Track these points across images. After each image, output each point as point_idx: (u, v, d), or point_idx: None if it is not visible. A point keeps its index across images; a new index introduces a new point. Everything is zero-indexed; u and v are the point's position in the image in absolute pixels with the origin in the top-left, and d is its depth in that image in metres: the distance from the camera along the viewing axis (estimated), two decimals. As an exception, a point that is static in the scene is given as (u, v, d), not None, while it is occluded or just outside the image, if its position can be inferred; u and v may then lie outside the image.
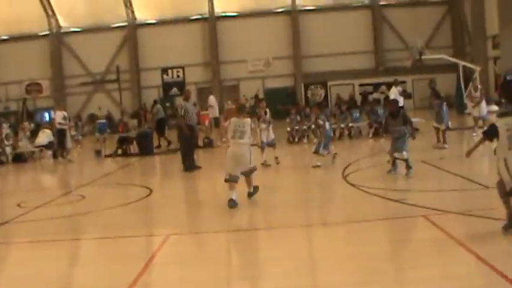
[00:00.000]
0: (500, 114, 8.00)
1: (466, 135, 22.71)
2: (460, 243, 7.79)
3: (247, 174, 11.51)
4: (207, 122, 27.94)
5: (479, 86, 21.83)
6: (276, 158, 17.54)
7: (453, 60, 36.53)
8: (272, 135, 17.77)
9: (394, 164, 13.82)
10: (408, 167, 13.29)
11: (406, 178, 13.16)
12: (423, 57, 35.89)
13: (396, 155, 13.53)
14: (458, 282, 6.39)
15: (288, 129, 24.57)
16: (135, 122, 30.89)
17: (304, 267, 7.55)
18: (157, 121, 28.25)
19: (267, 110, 18.06)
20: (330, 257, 7.92)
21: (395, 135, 13.62)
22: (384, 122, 15.33)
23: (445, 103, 19.21)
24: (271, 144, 17.49)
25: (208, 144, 25.27)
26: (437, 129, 18.77)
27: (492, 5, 40.76)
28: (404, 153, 13.37)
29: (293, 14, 47.68)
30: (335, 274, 7.07)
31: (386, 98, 27.42)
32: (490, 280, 6.46)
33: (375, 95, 28.60)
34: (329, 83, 47.30)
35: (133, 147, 24.70)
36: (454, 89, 35.41)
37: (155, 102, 32.69)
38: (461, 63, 35.59)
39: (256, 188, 11.78)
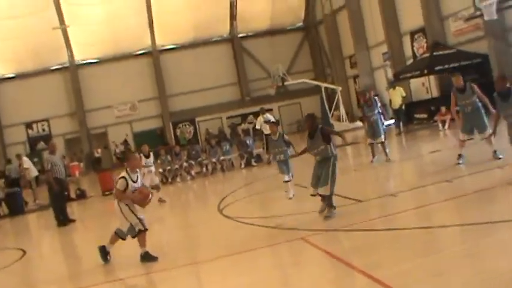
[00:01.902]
0: None
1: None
2: (337, 258, 7.98)
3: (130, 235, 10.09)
4: (77, 173, 27.17)
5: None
6: (160, 198, 17.63)
7: (315, 83, 37.80)
8: (156, 179, 18.22)
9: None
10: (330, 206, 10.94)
11: (291, 201, 13.32)
12: (286, 83, 36.97)
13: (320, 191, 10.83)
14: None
15: (160, 170, 24.32)
16: (1, 182, 29.52)
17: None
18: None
19: (151, 153, 18.36)
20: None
21: (318, 158, 10.95)
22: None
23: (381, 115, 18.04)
24: (156, 187, 17.39)
25: (81, 195, 24.55)
26: (371, 145, 17.79)
27: (345, 27, 42.58)
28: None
29: (154, 54, 47.60)
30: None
31: (254, 128, 27.84)
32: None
33: (243, 126, 28.96)
34: (197, 119, 47.45)
35: (2, 209, 23.58)
36: (319, 111, 36.44)
37: (18, 157, 31.16)
38: (323, 85, 36.92)
39: (146, 255, 9.87)
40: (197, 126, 47.50)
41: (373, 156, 17.62)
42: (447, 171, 13.12)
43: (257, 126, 25.17)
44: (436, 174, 13.44)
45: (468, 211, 9.20)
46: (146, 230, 9.83)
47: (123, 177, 9.67)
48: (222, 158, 24.70)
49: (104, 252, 10.28)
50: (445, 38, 31.23)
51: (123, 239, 10.05)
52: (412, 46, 35.29)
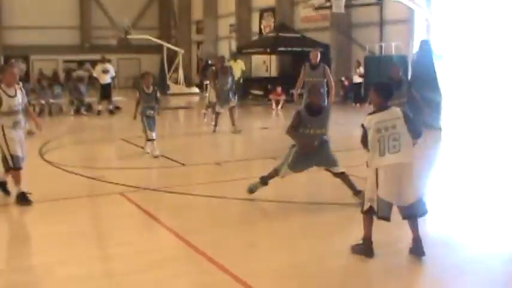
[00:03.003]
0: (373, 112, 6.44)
1: (170, 115, 23.18)
2: (153, 218, 8.04)
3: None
4: None
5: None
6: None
7: (158, 41, 37.35)
8: None
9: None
10: None
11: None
12: (129, 36, 36.20)
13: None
14: (152, 256, 6.54)
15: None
16: None
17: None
18: None
19: None
20: (33, 236, 7.80)
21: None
22: None
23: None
24: None
25: None
26: (218, 114, 17.37)
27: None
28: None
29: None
30: (37, 254, 6.96)
31: (90, 76, 27.06)
32: (180, 252, 6.76)
33: (79, 72, 28.02)
34: (32, 57, 45.17)
35: None
36: (158, 70, 36.21)
37: None
38: (166, 45, 36.62)
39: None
40: (30, 65, 45.28)
41: (216, 125, 17.25)
42: (273, 149, 13.44)
43: (94, 74, 24.50)
44: (263, 150, 13.76)
45: (287, 189, 9.51)
46: (13, 168, 8.83)
47: None
48: (51, 101, 23.71)
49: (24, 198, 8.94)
50: (292, 22, 32.08)
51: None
52: (260, 23, 35.91)
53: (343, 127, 16.55)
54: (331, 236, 7.38)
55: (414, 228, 6.31)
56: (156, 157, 12.78)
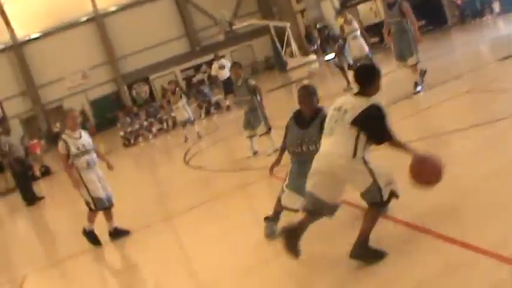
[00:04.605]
0: None
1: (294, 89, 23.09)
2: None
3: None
4: (38, 151, 26.70)
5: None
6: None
7: (262, 22, 37.46)
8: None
9: None
10: None
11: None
12: (234, 27, 36.51)
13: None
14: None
15: (121, 133, 23.99)
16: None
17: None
18: None
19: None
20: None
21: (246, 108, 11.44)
22: None
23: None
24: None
25: (46, 172, 24.12)
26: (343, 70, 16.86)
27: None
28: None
29: (98, 20, 46.46)
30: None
31: (209, 76, 27.51)
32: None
33: (198, 76, 28.52)
34: (151, 77, 46.71)
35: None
36: (271, 50, 36.30)
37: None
38: (271, 23, 36.62)
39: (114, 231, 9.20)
40: (152, 84, 46.85)
41: (348, 82, 16.30)
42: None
43: (213, 73, 24.88)
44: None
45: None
46: (96, 210, 8.95)
47: (61, 139, 8.93)
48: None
49: (90, 236, 9.15)
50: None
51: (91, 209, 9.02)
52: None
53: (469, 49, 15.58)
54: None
55: None
56: (254, 153, 11.63)
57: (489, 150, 7.25)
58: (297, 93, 6.43)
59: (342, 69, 17.02)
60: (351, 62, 16.51)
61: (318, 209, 5.50)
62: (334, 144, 5.34)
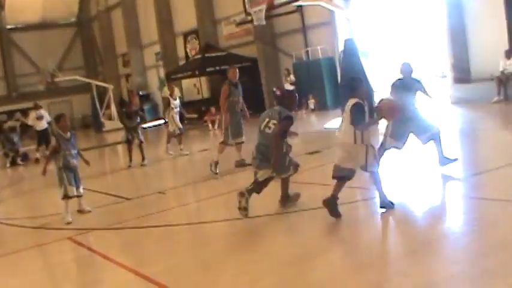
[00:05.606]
0: None
1: (108, 151, 22.96)
2: (104, 257, 7.91)
3: None
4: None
5: None
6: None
7: (86, 80, 37.10)
8: None
9: None
10: None
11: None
12: (56, 79, 35.85)
13: None
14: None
15: None
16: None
17: None
18: None
19: None
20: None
21: None
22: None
23: None
24: None
25: None
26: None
27: (119, 25, 42.24)
28: None
29: None
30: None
31: (22, 125, 26.66)
32: (137, 286, 6.67)
33: (10, 123, 27.40)
34: (-40, 115, 44.23)
35: None
36: (90, 109, 35.93)
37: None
38: (94, 82, 36.41)
39: None
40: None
41: (131, 160, 16.83)
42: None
43: (29, 122, 24.12)
44: (207, 172, 13.57)
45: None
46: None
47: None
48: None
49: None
50: (217, 41, 32.26)
51: None
52: (185, 47, 35.98)
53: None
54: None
55: None
56: (87, 212, 11.06)
57: None
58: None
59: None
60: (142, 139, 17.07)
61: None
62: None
